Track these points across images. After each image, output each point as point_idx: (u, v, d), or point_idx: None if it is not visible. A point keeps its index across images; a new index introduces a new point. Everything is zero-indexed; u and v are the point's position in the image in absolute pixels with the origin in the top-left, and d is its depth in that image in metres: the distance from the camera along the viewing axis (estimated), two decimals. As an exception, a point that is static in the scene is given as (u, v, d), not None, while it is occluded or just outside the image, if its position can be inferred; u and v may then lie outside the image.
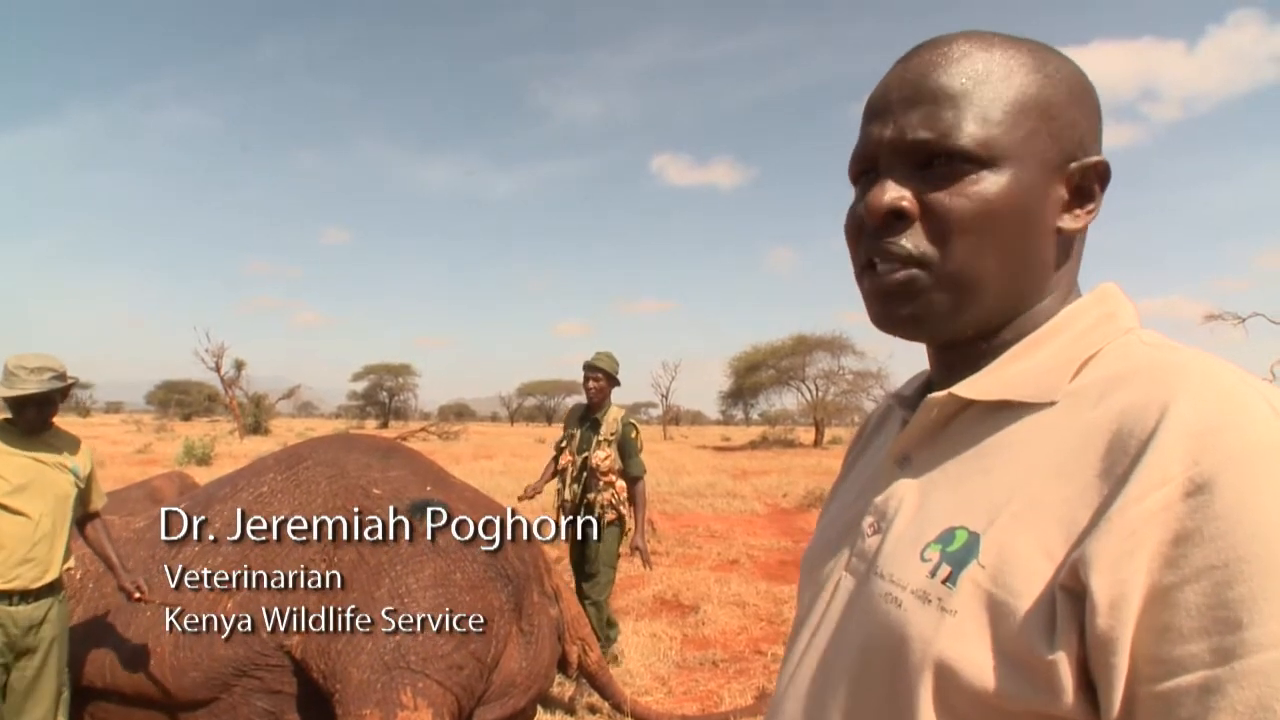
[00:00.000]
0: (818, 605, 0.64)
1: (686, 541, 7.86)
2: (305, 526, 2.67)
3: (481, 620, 2.52)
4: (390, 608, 2.45)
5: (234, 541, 2.70)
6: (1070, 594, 0.47)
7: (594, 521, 4.22)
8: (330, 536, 2.65)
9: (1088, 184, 0.60)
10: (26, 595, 2.46)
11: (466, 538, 2.66)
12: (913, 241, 0.57)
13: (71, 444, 2.71)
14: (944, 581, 0.52)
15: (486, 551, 2.65)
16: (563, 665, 3.09)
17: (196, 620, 2.58)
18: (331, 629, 2.48)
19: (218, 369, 32.81)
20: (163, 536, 2.84)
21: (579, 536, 4.29)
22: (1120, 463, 0.48)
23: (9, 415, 2.58)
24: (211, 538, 2.74)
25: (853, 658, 0.57)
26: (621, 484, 4.31)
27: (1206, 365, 0.51)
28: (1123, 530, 0.45)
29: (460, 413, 68.27)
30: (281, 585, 2.60)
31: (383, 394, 58.73)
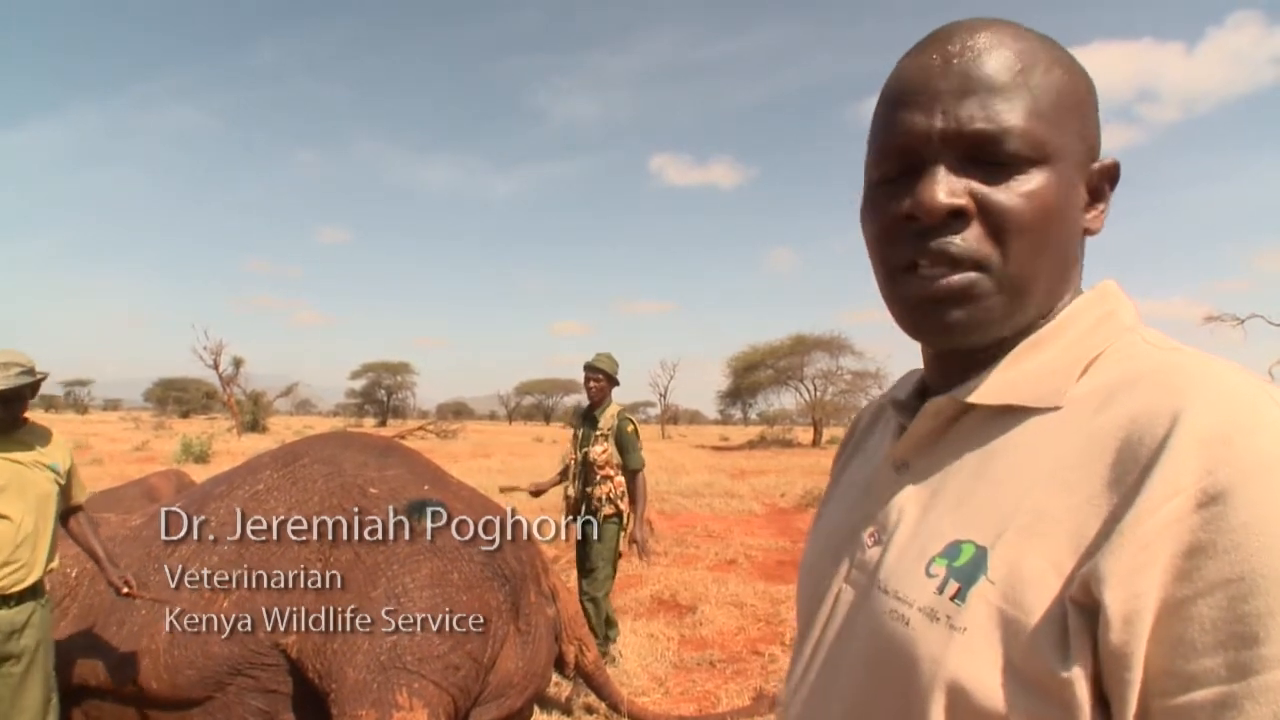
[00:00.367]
0: (818, 618, 0.63)
1: (684, 541, 7.85)
2: (303, 526, 2.66)
3: (479, 620, 2.51)
4: (387, 607, 2.44)
5: (230, 540, 2.69)
6: (1082, 609, 0.46)
7: (594, 519, 4.32)
8: (329, 535, 2.64)
9: (1102, 185, 0.59)
10: (7, 599, 2.40)
11: (464, 537, 2.65)
12: (972, 242, 0.54)
13: (47, 439, 2.63)
14: (952, 598, 0.50)
15: (484, 551, 2.64)
16: (560, 665, 3.08)
17: (192, 619, 2.56)
18: (328, 628, 2.47)
19: (216, 367, 32.78)
20: (160, 535, 2.83)
21: (580, 536, 4.39)
22: (1130, 472, 0.47)
23: None
24: (209, 536, 2.72)
25: (858, 675, 0.56)
26: (620, 479, 4.40)
27: (1216, 370, 0.49)
28: (1135, 544, 0.44)
29: (458, 411, 68.23)
30: (278, 584, 2.58)
31: (381, 392, 58.69)
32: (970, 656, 0.48)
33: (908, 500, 0.59)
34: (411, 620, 2.42)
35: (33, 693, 2.45)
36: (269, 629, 2.54)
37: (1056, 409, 0.53)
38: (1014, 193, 0.54)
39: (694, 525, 8.83)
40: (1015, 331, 0.58)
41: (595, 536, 4.33)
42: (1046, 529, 0.49)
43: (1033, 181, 0.54)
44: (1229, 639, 0.42)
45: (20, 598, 2.43)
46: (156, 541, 2.80)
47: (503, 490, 5.94)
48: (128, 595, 2.53)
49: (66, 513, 2.69)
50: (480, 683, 2.54)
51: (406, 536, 2.59)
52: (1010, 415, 0.55)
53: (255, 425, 31.49)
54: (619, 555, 4.40)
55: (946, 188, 0.54)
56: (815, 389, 32.66)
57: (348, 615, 2.46)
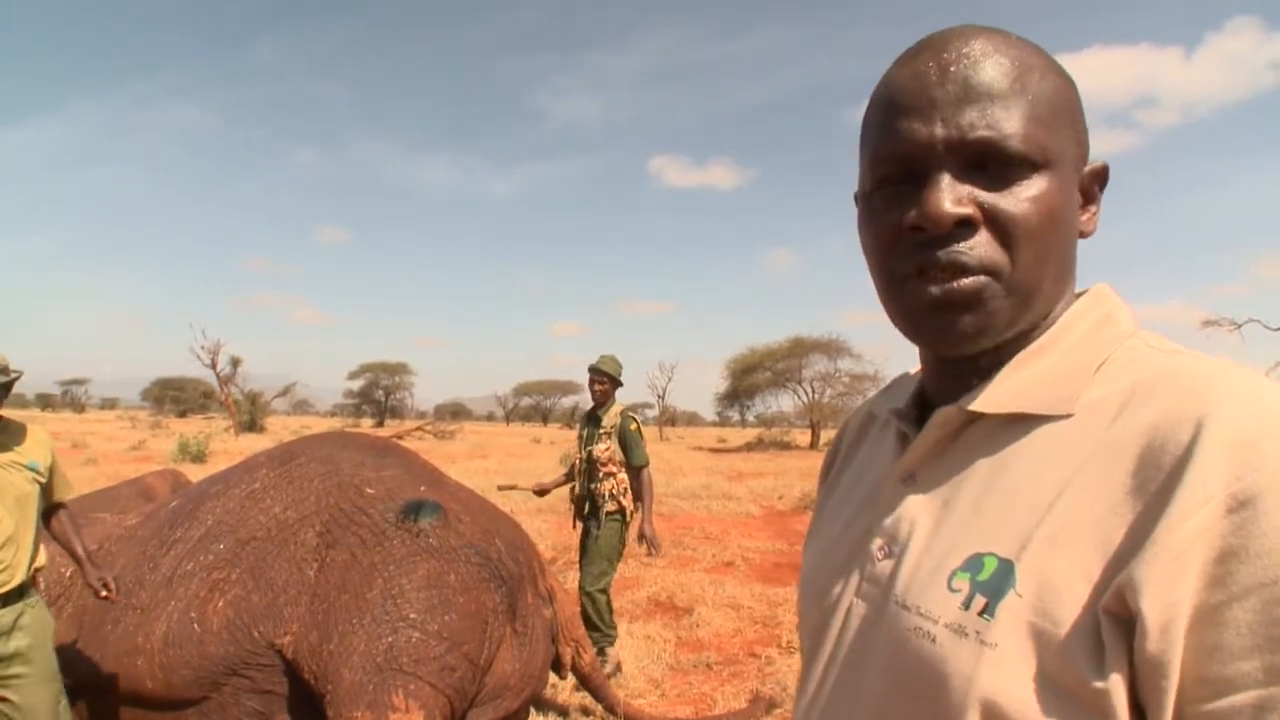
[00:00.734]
0: (828, 634, 0.62)
1: (681, 543, 7.85)
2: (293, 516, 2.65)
3: (475, 622, 2.51)
4: (383, 608, 2.43)
5: (226, 539, 2.68)
6: (1116, 619, 0.46)
7: (598, 516, 4.39)
8: (324, 535, 2.63)
9: (1092, 187, 0.60)
10: None
11: (460, 538, 2.64)
12: (983, 249, 0.54)
13: (25, 437, 2.57)
14: (980, 613, 0.50)
15: (480, 552, 2.64)
16: (556, 667, 3.08)
17: (187, 619, 2.55)
18: (323, 629, 2.46)
19: (214, 366, 32.74)
20: (155, 535, 2.82)
21: (584, 534, 4.48)
22: (1154, 479, 0.47)
23: None
24: (203, 534, 2.71)
25: (881, 692, 0.55)
26: (623, 475, 4.48)
27: (1232, 374, 0.50)
28: (1169, 553, 0.44)
29: (456, 412, 68.19)
30: (274, 584, 2.57)
31: (379, 392, 58.63)
32: (1003, 672, 0.48)
33: (918, 511, 0.58)
34: (408, 621, 2.41)
35: (38, 695, 2.42)
36: (264, 629, 2.52)
37: (1068, 416, 0.53)
38: (1018, 199, 0.54)
39: (691, 527, 8.83)
40: (1016, 335, 0.58)
41: (596, 532, 4.38)
42: (1072, 539, 0.49)
43: (1035, 187, 0.55)
44: (1265, 642, 0.42)
45: (6, 600, 2.39)
46: (152, 541, 2.79)
47: (500, 489, 5.95)
48: (105, 599, 2.49)
49: (49, 511, 2.64)
50: (477, 684, 2.53)
51: (402, 537, 2.58)
52: (1020, 424, 0.55)
53: (253, 425, 31.46)
54: (620, 552, 4.43)
55: (953, 196, 0.54)
56: (813, 391, 32.69)
57: (344, 616, 2.45)
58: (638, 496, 4.52)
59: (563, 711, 3.69)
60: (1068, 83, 0.58)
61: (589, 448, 4.53)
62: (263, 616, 2.53)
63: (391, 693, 2.31)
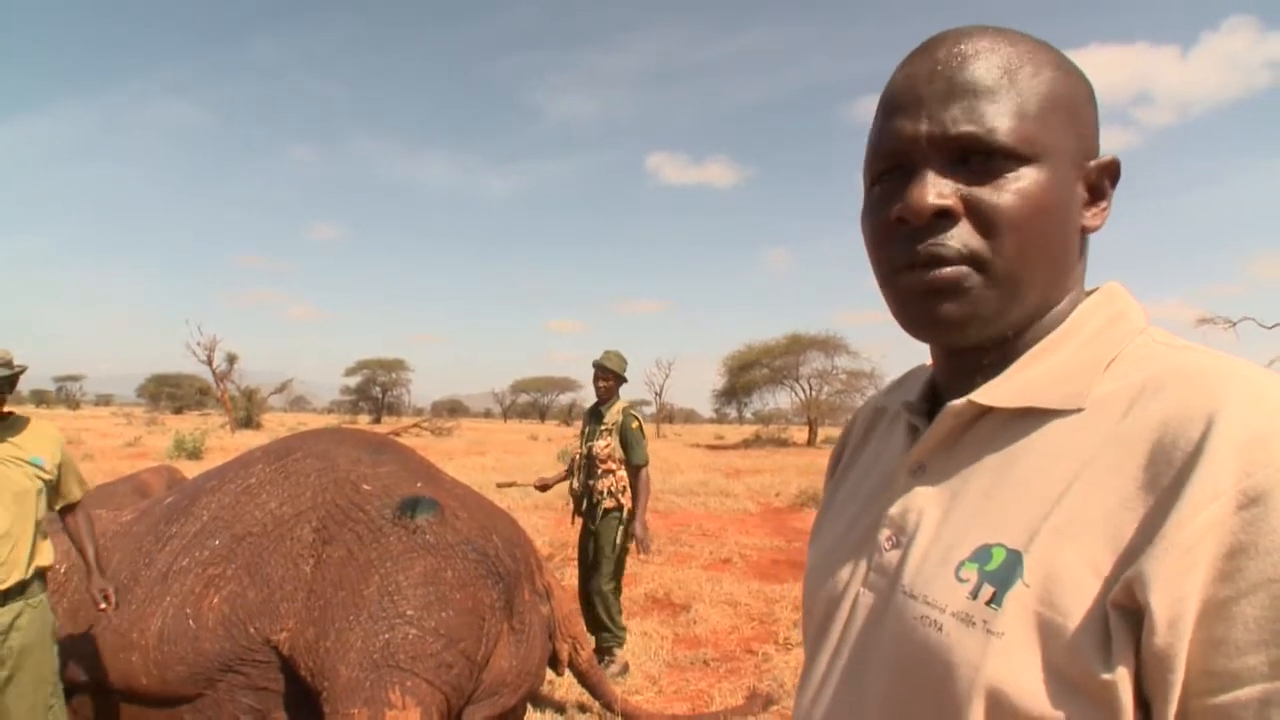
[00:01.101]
0: (834, 623, 0.63)
1: (679, 540, 7.85)
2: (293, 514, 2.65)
3: (472, 618, 2.51)
4: (380, 605, 2.43)
5: (221, 534, 2.67)
6: (1124, 612, 0.46)
7: (595, 513, 4.38)
8: (321, 531, 2.63)
9: (1102, 182, 0.60)
10: None
11: (457, 535, 2.64)
12: (962, 239, 0.56)
13: (31, 433, 2.55)
14: (988, 603, 0.50)
15: (477, 549, 2.63)
16: (553, 663, 3.08)
17: (182, 615, 2.55)
18: (320, 626, 2.46)
19: (209, 362, 32.64)
20: (151, 531, 2.81)
21: (584, 531, 4.46)
22: (1165, 475, 0.47)
23: None
24: (198, 530, 2.71)
25: (887, 682, 0.56)
26: (621, 473, 4.45)
27: (1243, 371, 0.50)
28: (1179, 548, 0.45)
29: (453, 409, 68.17)
30: (270, 580, 2.57)
31: (376, 389, 58.57)
32: (1009, 661, 0.48)
33: (927, 502, 0.59)
34: (405, 618, 2.41)
35: (24, 696, 2.37)
36: (260, 626, 2.52)
37: (1079, 411, 0.54)
38: (1002, 190, 0.55)
39: (688, 524, 8.84)
40: (1015, 330, 0.59)
41: (594, 528, 4.38)
42: (1081, 532, 0.49)
43: (1023, 179, 0.55)
44: (1272, 637, 0.43)
45: (4, 598, 2.37)
46: (147, 537, 2.78)
47: (500, 486, 5.95)
48: (102, 610, 2.45)
49: (64, 510, 2.62)
50: (474, 681, 2.53)
51: (398, 534, 2.58)
52: (1031, 418, 0.56)
53: (249, 422, 31.41)
54: (623, 549, 4.41)
55: (934, 190, 0.56)
56: (810, 388, 32.76)
57: (340, 612, 2.45)
58: (634, 495, 4.48)
59: (560, 708, 3.69)
60: (1071, 79, 0.59)
61: (589, 444, 4.50)
62: (258, 612, 2.53)
63: (388, 689, 2.31)
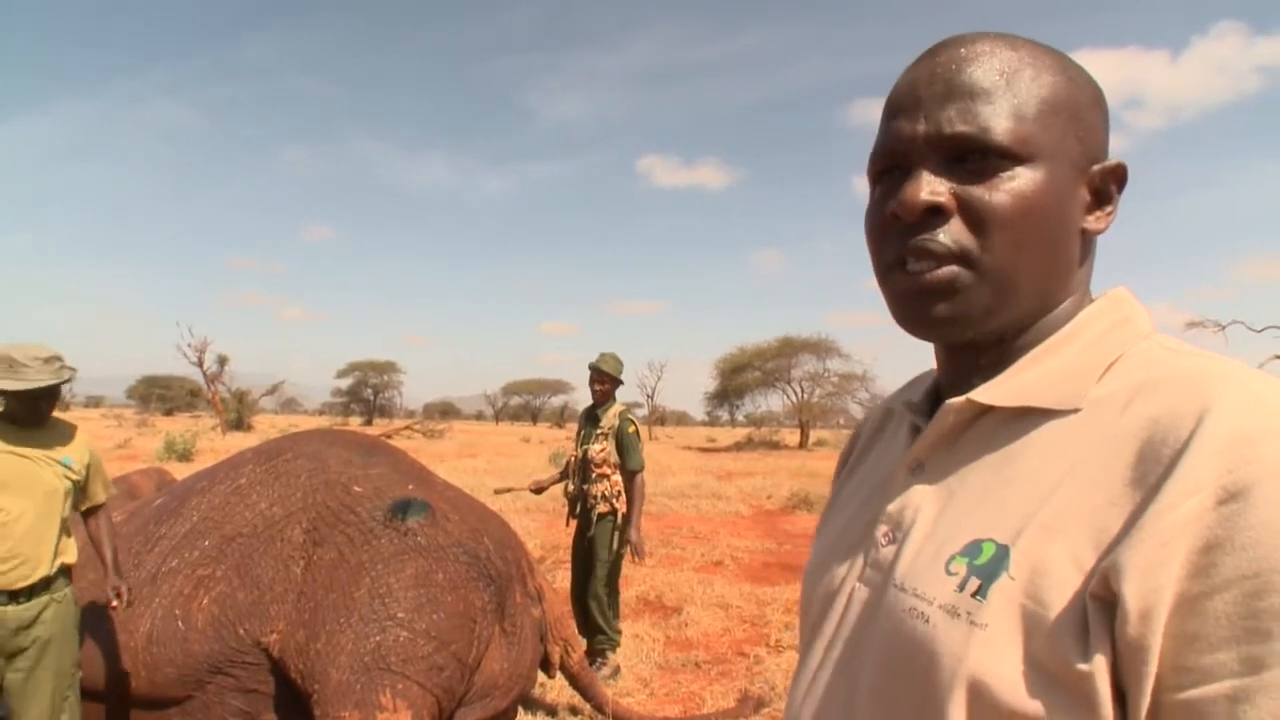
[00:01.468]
0: (830, 617, 0.63)
1: (670, 542, 7.85)
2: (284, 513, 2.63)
3: (463, 621, 2.50)
4: (371, 607, 2.42)
5: (211, 535, 2.66)
6: (1101, 603, 0.46)
7: (589, 517, 4.36)
8: (311, 532, 2.62)
9: (1107, 186, 0.60)
10: (15, 595, 2.39)
11: (449, 537, 2.63)
12: (952, 237, 0.56)
13: (66, 435, 2.62)
14: (973, 595, 0.51)
15: (469, 551, 2.63)
16: (545, 666, 3.07)
17: (172, 616, 2.53)
18: (310, 628, 2.44)
19: (200, 364, 32.45)
20: (140, 532, 2.80)
21: (578, 535, 4.44)
22: (1153, 471, 0.48)
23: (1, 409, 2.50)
24: (188, 531, 2.69)
25: (876, 673, 0.56)
26: (616, 477, 4.43)
27: (1240, 373, 0.50)
28: (1155, 539, 0.45)
29: (445, 411, 68.02)
30: (260, 582, 2.56)
31: (367, 391, 58.41)
32: (991, 652, 0.49)
33: (924, 499, 0.59)
34: (396, 620, 2.40)
35: (41, 688, 2.43)
36: (250, 627, 2.51)
37: (1076, 411, 0.54)
38: (996, 189, 0.56)
39: (680, 526, 8.84)
40: (1013, 329, 0.59)
41: (589, 533, 4.36)
42: (1067, 526, 0.49)
43: (1017, 179, 0.56)
44: (1243, 634, 0.43)
45: (30, 593, 2.42)
46: (137, 538, 2.76)
47: (497, 492, 5.90)
48: (112, 608, 2.49)
49: (87, 511, 2.68)
50: (465, 684, 2.52)
51: (390, 536, 2.57)
52: (1029, 417, 0.56)
53: (240, 423, 31.22)
54: (617, 553, 4.38)
55: (928, 187, 0.56)
56: (802, 391, 32.81)
57: (331, 614, 2.44)
58: (629, 500, 4.43)
59: (551, 710, 3.68)
60: (1075, 83, 0.59)
61: (584, 447, 4.46)
62: (248, 614, 2.51)
63: (379, 692, 2.30)
